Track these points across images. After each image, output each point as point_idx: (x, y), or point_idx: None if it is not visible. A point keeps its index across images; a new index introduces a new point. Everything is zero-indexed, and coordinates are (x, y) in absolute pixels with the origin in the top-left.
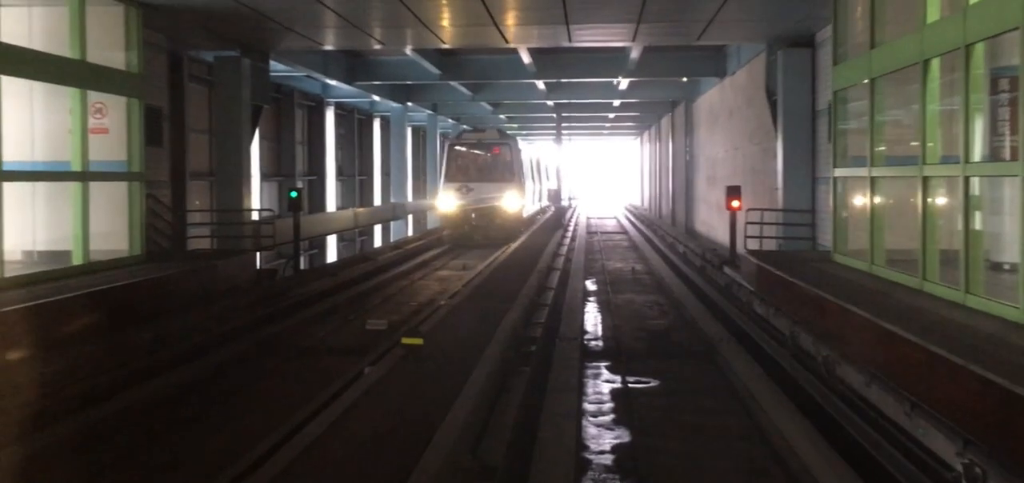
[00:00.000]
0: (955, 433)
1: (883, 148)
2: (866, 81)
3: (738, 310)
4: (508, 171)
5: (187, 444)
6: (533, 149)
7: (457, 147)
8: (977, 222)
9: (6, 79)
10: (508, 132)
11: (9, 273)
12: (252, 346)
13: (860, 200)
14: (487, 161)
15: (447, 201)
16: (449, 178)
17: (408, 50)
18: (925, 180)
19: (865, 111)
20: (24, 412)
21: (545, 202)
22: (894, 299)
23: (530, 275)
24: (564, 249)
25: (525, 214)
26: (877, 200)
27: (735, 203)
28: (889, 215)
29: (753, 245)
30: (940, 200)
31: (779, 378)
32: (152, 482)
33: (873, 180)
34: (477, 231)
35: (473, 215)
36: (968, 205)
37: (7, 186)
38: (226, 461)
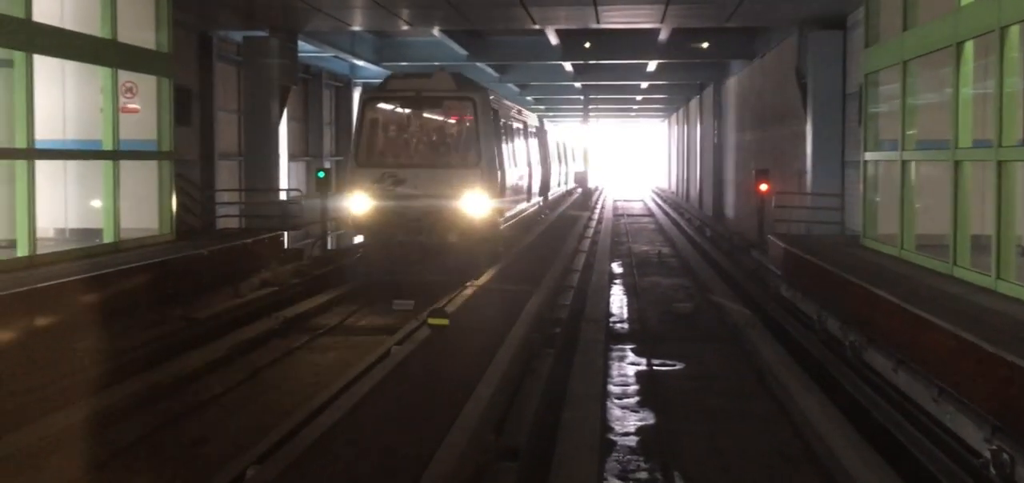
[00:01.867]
0: (983, 419)
1: (914, 132)
2: (898, 64)
3: (765, 294)
4: (471, 145)
5: (211, 424)
6: (558, 130)
7: (380, 103)
8: (1010, 207)
9: (38, 58)
10: (479, 82)
11: (42, 250)
12: (280, 324)
13: (890, 184)
14: (434, 129)
15: (361, 200)
16: (365, 158)
17: (436, 31)
18: (957, 164)
19: (897, 94)
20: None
21: (571, 184)
22: (923, 284)
23: (554, 260)
24: (590, 232)
25: (511, 216)
26: (908, 184)
27: (763, 186)
28: (920, 200)
29: (781, 229)
30: (972, 185)
31: (806, 362)
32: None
33: (904, 164)
34: (416, 253)
35: (408, 226)
36: (1001, 190)
37: (39, 164)
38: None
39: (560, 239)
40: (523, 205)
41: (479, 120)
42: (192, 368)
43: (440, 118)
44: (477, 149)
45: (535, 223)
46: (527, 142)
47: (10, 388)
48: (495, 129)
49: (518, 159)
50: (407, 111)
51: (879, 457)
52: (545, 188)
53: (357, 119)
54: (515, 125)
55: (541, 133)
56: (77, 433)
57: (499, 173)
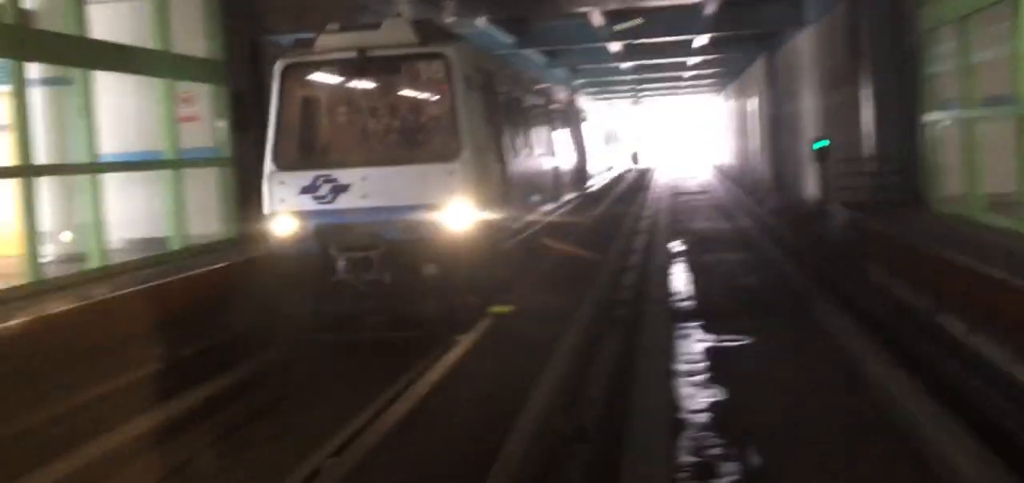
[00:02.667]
0: None
1: (978, 90)
2: (957, 19)
3: (831, 264)
4: (447, 125)
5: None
6: (606, 111)
7: (306, 72)
8: None
9: (97, 74)
10: (456, 31)
11: (116, 259)
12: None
13: (953, 145)
14: (390, 106)
15: (282, 220)
16: (286, 156)
17: (481, 21)
18: (1021, 120)
19: (956, 52)
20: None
21: (621, 168)
22: (994, 245)
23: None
24: (647, 211)
25: (525, 227)
26: (972, 144)
27: (822, 153)
28: (986, 158)
29: (843, 196)
30: None
31: (877, 331)
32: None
33: (966, 123)
34: (370, 298)
35: (354, 257)
36: None
37: (106, 177)
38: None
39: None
40: (546, 205)
41: (456, 87)
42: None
43: (400, 88)
44: (455, 132)
45: (565, 229)
46: (551, 122)
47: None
48: (487, 101)
49: (533, 145)
50: (348, 81)
51: (963, 423)
52: (582, 178)
53: (274, 98)
54: (528, 99)
55: (572, 110)
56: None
57: (498, 167)
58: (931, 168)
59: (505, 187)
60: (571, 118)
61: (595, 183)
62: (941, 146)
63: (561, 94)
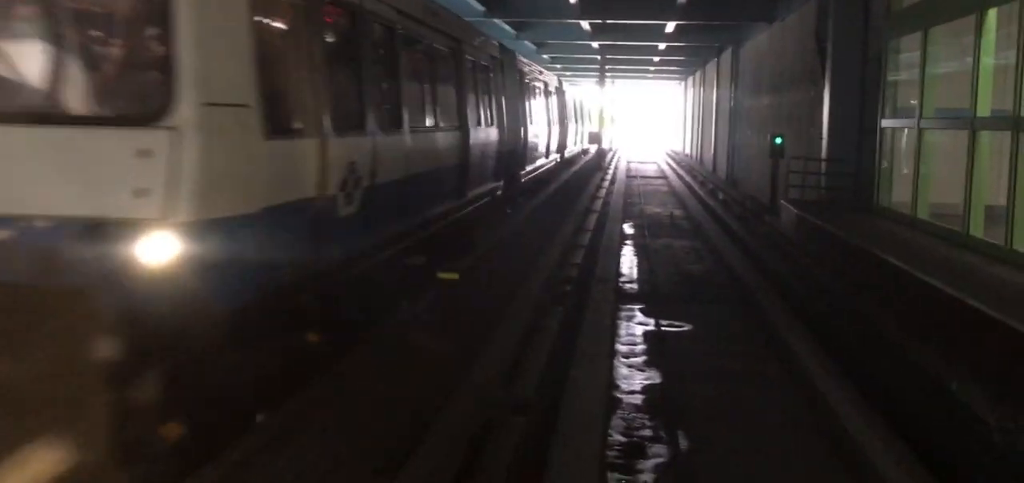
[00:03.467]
0: (989, 389)
1: (933, 100)
2: (920, 31)
3: (775, 258)
4: (158, 46)
5: None
6: (575, 90)
7: None
8: None
9: None
10: None
11: None
12: None
13: (907, 152)
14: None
15: None
16: None
17: None
18: (974, 134)
19: (916, 62)
20: None
21: (585, 144)
22: (936, 252)
23: (564, 223)
24: (602, 192)
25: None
26: (924, 152)
27: (777, 149)
28: (936, 168)
29: (795, 194)
30: (989, 155)
31: (815, 327)
32: None
33: (921, 132)
34: None
35: None
36: (1017, 160)
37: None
38: None
39: (571, 198)
40: (575, 147)
41: None
42: None
43: None
44: (171, 63)
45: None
46: (459, 78)
47: None
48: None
49: (423, 109)
50: None
51: (886, 419)
52: (595, 138)
53: None
54: (406, 32)
55: (502, 70)
56: None
57: (310, 144)
58: (884, 172)
59: (350, 183)
60: (581, 106)
61: (587, 147)
62: (894, 153)
63: (475, 40)
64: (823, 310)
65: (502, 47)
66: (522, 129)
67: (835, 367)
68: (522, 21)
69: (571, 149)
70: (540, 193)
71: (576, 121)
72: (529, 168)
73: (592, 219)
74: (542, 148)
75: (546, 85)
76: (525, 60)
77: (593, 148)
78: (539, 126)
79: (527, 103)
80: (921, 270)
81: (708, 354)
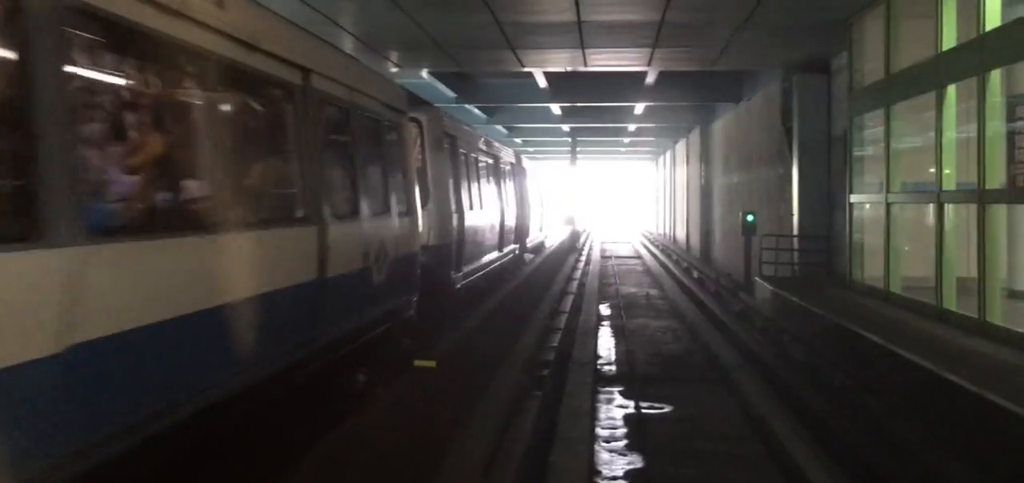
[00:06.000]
0: (969, 462)
1: (899, 175)
2: (882, 108)
3: (752, 336)
4: None
5: None
6: (535, 167)
7: None
8: (995, 250)
9: None
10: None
11: None
12: None
13: (876, 226)
14: None
15: None
16: None
17: (424, 73)
18: (941, 207)
19: (881, 138)
20: None
21: (543, 233)
22: (910, 326)
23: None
24: (578, 273)
25: None
26: (893, 226)
27: (749, 228)
28: (906, 241)
29: (768, 270)
30: (957, 227)
31: (795, 405)
32: None
33: (889, 206)
34: None
35: None
36: (984, 233)
37: None
38: None
39: (546, 282)
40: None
41: None
42: None
43: None
44: None
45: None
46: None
47: None
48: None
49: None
50: None
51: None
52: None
53: None
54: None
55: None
56: None
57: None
58: (854, 247)
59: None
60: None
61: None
62: (864, 227)
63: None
64: (802, 387)
65: (416, 99)
66: (454, 216)
67: (817, 445)
68: (493, 106)
69: (535, 238)
70: (505, 284)
71: (540, 205)
72: (467, 270)
73: (568, 301)
74: (491, 241)
75: (496, 161)
76: (462, 124)
77: (565, 232)
78: (487, 213)
79: (467, 182)
80: (897, 345)
81: (690, 436)
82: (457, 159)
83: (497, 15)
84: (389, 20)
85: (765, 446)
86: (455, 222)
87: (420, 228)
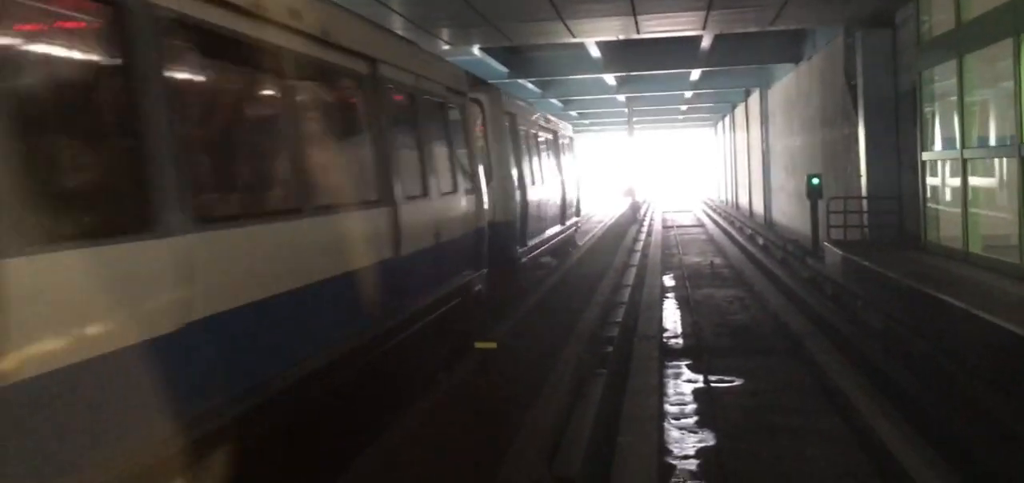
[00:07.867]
0: None
1: (975, 129)
2: (953, 59)
3: (824, 303)
4: None
5: None
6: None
7: None
8: None
9: None
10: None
11: None
12: None
13: (951, 184)
14: None
15: None
16: None
17: (475, 50)
18: (1023, 161)
19: (953, 91)
20: None
21: (576, 216)
22: (992, 287)
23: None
24: (639, 245)
25: None
26: (970, 183)
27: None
28: (984, 199)
29: (836, 235)
30: None
31: (873, 376)
32: None
33: (965, 162)
34: None
35: None
36: None
37: None
38: None
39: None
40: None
41: None
42: None
43: None
44: None
45: None
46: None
47: None
48: None
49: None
50: None
51: (956, 470)
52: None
53: None
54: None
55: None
56: None
57: None
58: (927, 207)
59: None
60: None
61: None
62: (939, 185)
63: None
64: (880, 356)
65: (476, 80)
66: (516, 192)
67: (899, 418)
68: (547, 79)
69: (590, 211)
70: (568, 258)
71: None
72: (532, 244)
73: (631, 274)
74: (552, 215)
75: (555, 135)
76: (519, 100)
77: (625, 204)
78: (548, 187)
79: (528, 158)
80: (983, 310)
81: (761, 409)
82: (517, 136)
83: None
84: None
85: (844, 421)
86: (518, 198)
87: (485, 206)
